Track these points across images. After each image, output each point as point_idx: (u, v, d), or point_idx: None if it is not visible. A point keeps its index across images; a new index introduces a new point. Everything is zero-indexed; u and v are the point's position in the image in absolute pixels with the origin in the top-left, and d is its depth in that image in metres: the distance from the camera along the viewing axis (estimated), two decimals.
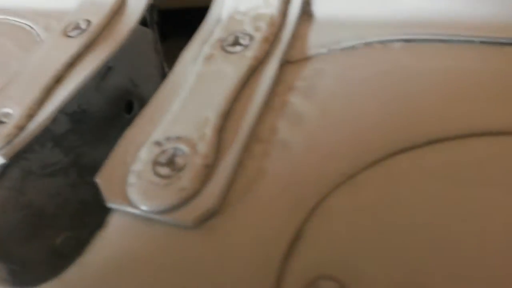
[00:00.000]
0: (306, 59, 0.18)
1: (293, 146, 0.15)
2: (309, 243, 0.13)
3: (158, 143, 0.16)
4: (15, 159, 0.19)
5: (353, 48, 0.18)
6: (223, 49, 0.19)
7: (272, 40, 0.18)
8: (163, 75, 0.27)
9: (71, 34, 0.22)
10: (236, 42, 0.19)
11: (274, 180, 0.15)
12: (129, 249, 0.15)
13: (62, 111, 0.20)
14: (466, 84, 0.15)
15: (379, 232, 0.13)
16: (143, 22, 0.25)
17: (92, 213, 0.19)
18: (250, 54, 0.18)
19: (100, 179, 0.16)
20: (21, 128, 0.19)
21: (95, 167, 0.17)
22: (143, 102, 0.26)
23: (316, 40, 0.18)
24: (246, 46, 0.18)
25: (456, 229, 0.12)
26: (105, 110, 0.23)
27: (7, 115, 0.19)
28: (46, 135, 0.20)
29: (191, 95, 0.17)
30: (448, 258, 0.12)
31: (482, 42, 0.16)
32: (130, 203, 0.15)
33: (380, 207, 0.13)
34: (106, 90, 0.23)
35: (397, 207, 0.13)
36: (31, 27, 0.25)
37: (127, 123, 0.19)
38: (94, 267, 0.15)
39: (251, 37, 0.19)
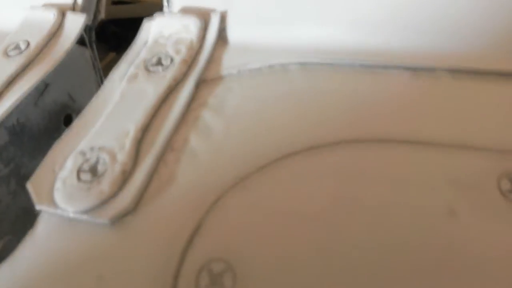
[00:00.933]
0: (219, 78, 0.21)
1: (201, 154, 0.18)
2: (205, 234, 0.15)
3: (82, 153, 0.18)
4: None
5: (259, 69, 0.20)
6: (146, 68, 0.21)
7: (190, 62, 0.21)
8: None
9: (11, 54, 0.24)
10: (158, 63, 0.21)
11: (181, 183, 0.17)
12: (55, 246, 0.17)
13: (1, 125, 0.22)
14: (340, 102, 0.18)
15: (260, 222, 0.15)
16: (83, 41, 0.27)
17: (32, 219, 0.21)
18: (169, 75, 0.20)
19: (31, 185, 0.18)
20: None
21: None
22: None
23: (229, 62, 0.21)
24: (166, 67, 0.21)
25: (327, 218, 0.15)
26: (44, 123, 0.25)
27: None
28: None
29: (115, 110, 0.20)
30: (316, 241, 0.15)
31: (360, 65, 0.19)
32: (56, 206, 0.17)
33: (263, 203, 0.16)
34: (44, 105, 0.25)
35: (277, 202, 0.16)
36: None
37: None
38: (23, 264, 0.17)
39: (172, 59, 0.21)
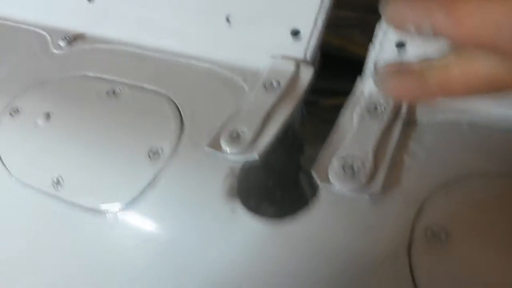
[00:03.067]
0: (415, 123, 0.34)
1: (410, 166, 0.31)
2: (426, 209, 0.28)
3: (343, 157, 0.32)
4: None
5: (441, 123, 0.34)
6: (368, 111, 0.35)
7: (396, 110, 0.35)
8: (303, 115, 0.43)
9: (269, 88, 0.38)
10: (375, 108, 0.35)
11: (404, 181, 0.30)
12: (331, 211, 0.30)
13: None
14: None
15: (463, 210, 0.28)
16: None
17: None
18: (385, 116, 0.34)
19: (314, 172, 0.32)
20: (253, 141, 0.35)
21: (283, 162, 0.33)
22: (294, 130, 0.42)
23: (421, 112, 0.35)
24: (382, 112, 0.34)
25: None
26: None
27: (243, 132, 0.35)
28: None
29: (356, 136, 0.33)
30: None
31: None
32: (332, 185, 0.31)
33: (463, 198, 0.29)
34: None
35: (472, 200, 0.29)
36: (232, 78, 0.42)
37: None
38: (312, 221, 0.30)
39: (385, 107, 0.35)
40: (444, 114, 0.34)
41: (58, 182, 0.38)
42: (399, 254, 0.27)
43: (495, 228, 0.27)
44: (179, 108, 0.39)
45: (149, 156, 0.36)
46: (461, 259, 0.27)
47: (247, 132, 0.35)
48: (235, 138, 0.35)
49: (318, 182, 0.31)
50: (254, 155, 0.34)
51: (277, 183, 0.39)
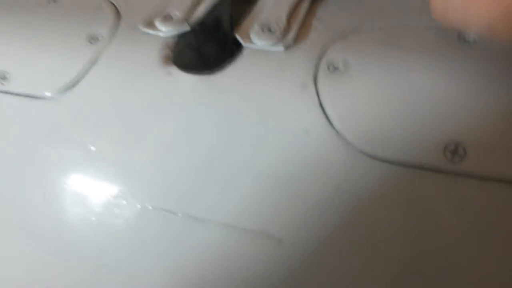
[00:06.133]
0: None
1: (317, 26, 0.37)
2: (330, 51, 0.34)
3: (261, 21, 0.37)
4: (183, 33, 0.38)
5: None
6: None
7: None
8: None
9: None
10: None
11: (312, 35, 0.36)
12: (252, 62, 0.35)
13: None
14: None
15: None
16: None
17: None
18: None
19: (237, 33, 0.36)
20: (184, 20, 0.39)
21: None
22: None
23: None
24: None
25: None
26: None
27: (175, 14, 0.39)
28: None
29: (274, 6, 0.38)
30: None
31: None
32: (253, 43, 0.35)
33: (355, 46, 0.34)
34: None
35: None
36: None
37: None
38: (237, 72, 0.35)
39: None
40: None
41: (4, 78, 0.40)
42: (307, 84, 0.33)
43: (384, 59, 0.33)
44: (115, 4, 0.43)
45: (89, 42, 0.39)
46: (357, 82, 0.32)
47: (178, 14, 0.39)
48: (168, 19, 0.39)
49: (242, 42, 0.36)
50: (186, 27, 0.38)
51: (209, 50, 0.44)
